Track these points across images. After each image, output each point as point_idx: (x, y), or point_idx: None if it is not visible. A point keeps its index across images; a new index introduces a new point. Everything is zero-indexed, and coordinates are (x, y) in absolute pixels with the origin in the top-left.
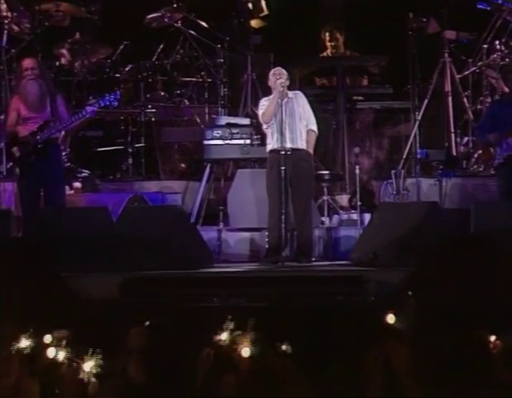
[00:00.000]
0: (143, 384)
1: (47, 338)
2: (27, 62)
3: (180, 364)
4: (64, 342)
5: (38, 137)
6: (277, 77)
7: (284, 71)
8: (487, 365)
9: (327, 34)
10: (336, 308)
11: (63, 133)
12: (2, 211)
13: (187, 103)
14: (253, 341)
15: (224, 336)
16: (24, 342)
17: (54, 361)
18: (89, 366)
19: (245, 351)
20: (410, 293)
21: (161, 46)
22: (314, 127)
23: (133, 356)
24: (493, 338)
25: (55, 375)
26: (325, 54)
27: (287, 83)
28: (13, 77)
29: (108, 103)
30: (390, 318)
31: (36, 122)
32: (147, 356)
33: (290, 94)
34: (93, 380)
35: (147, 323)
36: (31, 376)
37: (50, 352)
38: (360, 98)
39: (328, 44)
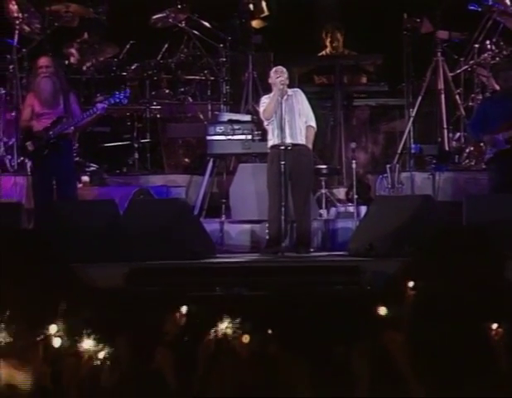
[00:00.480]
0: (148, 371)
1: (56, 327)
2: (43, 60)
3: (183, 351)
4: (72, 331)
5: (51, 132)
6: (278, 75)
7: (285, 70)
8: (482, 353)
9: (328, 34)
10: (334, 297)
11: (72, 128)
12: (14, 204)
13: (191, 100)
14: (253, 328)
15: (225, 324)
16: (36, 331)
17: (63, 349)
18: (96, 352)
19: (245, 338)
20: (411, 284)
21: (166, 46)
22: (313, 123)
23: (143, 344)
24: (494, 326)
25: (64, 363)
26: (323, 53)
27: (287, 81)
28: (25, 75)
29: (118, 100)
30: (382, 310)
31: (50, 118)
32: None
33: (289, 91)
34: (100, 366)
35: (154, 312)
36: (44, 364)
37: (57, 341)
38: (363, 95)
39: (328, 43)
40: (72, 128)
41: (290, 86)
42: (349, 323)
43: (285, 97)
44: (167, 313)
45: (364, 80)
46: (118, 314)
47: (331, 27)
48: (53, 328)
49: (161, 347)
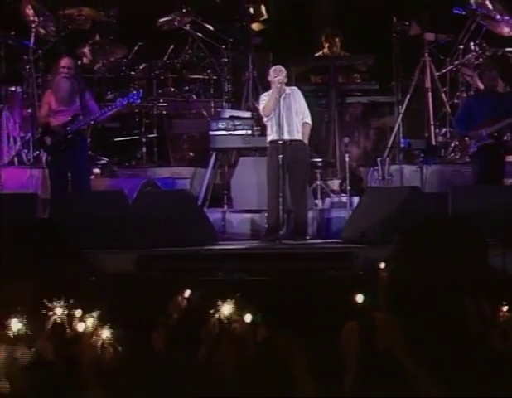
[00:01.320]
0: (158, 352)
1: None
2: (65, 62)
3: (187, 333)
4: (84, 314)
5: (68, 128)
6: (276, 74)
7: (283, 69)
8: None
9: (328, 38)
10: (328, 281)
11: (86, 125)
12: (30, 195)
13: (195, 98)
14: (253, 310)
15: (227, 306)
16: (49, 315)
17: (77, 331)
18: (108, 335)
19: (247, 318)
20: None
21: (172, 47)
22: (309, 120)
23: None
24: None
25: (78, 345)
26: (320, 53)
27: (285, 80)
28: (40, 75)
29: (131, 100)
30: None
31: (65, 115)
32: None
33: (287, 90)
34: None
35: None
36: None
37: (74, 324)
38: (356, 93)
39: (327, 47)
40: (86, 124)
41: (288, 85)
42: (341, 304)
43: (283, 95)
44: (173, 296)
45: (356, 79)
46: (126, 297)
47: (331, 33)
48: (59, 307)
49: (165, 328)
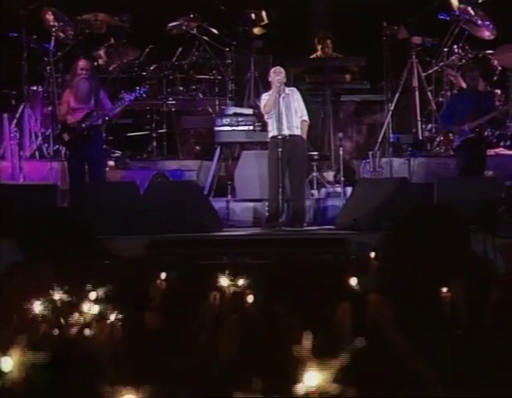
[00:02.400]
0: (159, 329)
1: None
2: (83, 63)
3: (192, 311)
4: (98, 296)
5: (83, 124)
6: (276, 75)
7: (282, 70)
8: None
9: (321, 41)
10: (324, 264)
11: (100, 120)
12: (50, 186)
13: (201, 96)
14: (255, 290)
15: (231, 286)
16: (64, 296)
17: (91, 313)
18: (121, 316)
19: (249, 298)
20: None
21: (180, 49)
22: (306, 118)
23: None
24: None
25: (92, 326)
26: (314, 55)
27: (284, 80)
28: (60, 75)
29: (138, 94)
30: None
31: (82, 112)
32: (164, 304)
33: (287, 90)
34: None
35: (166, 276)
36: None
37: (86, 306)
38: (349, 92)
39: (320, 49)
40: (101, 120)
41: (286, 85)
42: (335, 286)
43: (283, 95)
44: (180, 277)
45: (349, 79)
46: (138, 279)
47: (323, 35)
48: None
49: (171, 306)
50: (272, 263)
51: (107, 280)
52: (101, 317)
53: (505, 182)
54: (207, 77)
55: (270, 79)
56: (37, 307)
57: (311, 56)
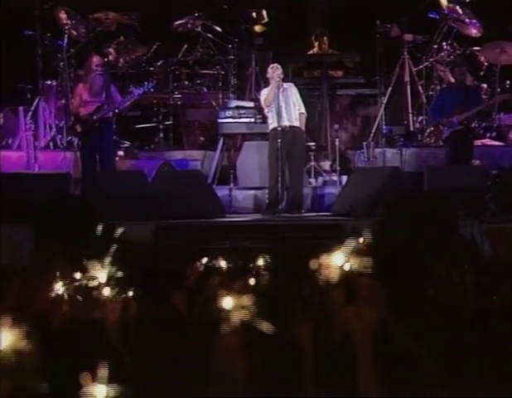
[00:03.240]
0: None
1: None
2: (97, 60)
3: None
4: (109, 278)
5: (95, 117)
6: (274, 71)
7: (279, 66)
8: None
9: (317, 38)
10: (321, 248)
11: (111, 113)
12: (64, 174)
13: (205, 90)
14: (256, 272)
15: (233, 269)
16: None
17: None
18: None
19: (251, 281)
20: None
21: (185, 46)
22: (304, 110)
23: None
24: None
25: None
26: (312, 52)
27: (282, 75)
28: (72, 70)
29: (146, 89)
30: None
31: (93, 105)
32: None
33: (285, 85)
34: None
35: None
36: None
37: (98, 287)
38: (344, 86)
39: (316, 45)
40: (111, 113)
41: (285, 80)
42: (331, 269)
43: (281, 89)
44: (186, 261)
45: (344, 74)
46: (146, 263)
47: (320, 33)
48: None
49: (178, 290)
50: (272, 247)
51: (117, 263)
52: (113, 297)
53: (491, 170)
54: (211, 72)
55: (268, 75)
56: (56, 288)
57: (309, 53)
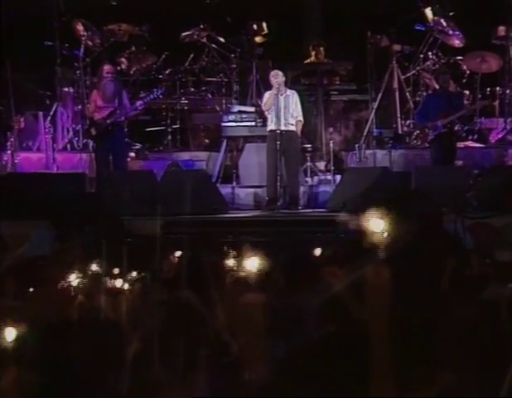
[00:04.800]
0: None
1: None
2: (109, 68)
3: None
4: (122, 271)
5: (108, 121)
6: (275, 77)
7: (280, 73)
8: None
9: (314, 48)
10: (316, 241)
11: (123, 118)
12: (80, 174)
13: (210, 96)
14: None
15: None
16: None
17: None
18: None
19: (253, 273)
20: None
21: (192, 56)
22: (301, 118)
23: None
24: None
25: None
26: (309, 60)
27: (283, 79)
28: (88, 78)
29: (155, 95)
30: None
31: (107, 109)
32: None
33: (288, 91)
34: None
35: (179, 254)
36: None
37: (113, 279)
38: (338, 92)
39: (313, 55)
40: (123, 117)
41: (286, 85)
42: (326, 261)
43: (284, 95)
44: (192, 254)
45: (338, 81)
46: (154, 255)
47: (316, 43)
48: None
49: (184, 279)
50: (271, 241)
51: (129, 256)
52: (124, 287)
53: (473, 170)
54: (215, 79)
55: (271, 82)
56: (72, 280)
57: (306, 61)
